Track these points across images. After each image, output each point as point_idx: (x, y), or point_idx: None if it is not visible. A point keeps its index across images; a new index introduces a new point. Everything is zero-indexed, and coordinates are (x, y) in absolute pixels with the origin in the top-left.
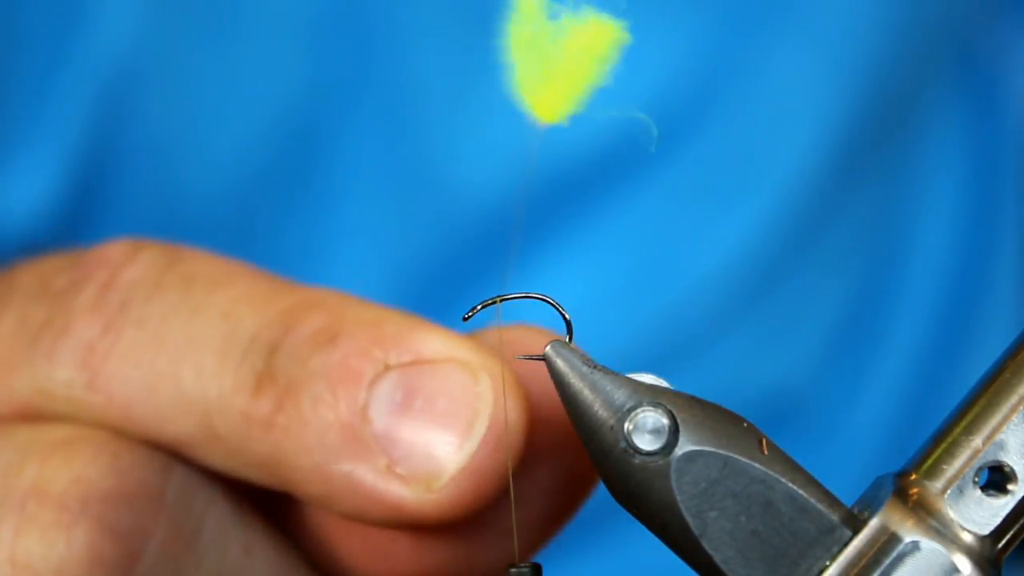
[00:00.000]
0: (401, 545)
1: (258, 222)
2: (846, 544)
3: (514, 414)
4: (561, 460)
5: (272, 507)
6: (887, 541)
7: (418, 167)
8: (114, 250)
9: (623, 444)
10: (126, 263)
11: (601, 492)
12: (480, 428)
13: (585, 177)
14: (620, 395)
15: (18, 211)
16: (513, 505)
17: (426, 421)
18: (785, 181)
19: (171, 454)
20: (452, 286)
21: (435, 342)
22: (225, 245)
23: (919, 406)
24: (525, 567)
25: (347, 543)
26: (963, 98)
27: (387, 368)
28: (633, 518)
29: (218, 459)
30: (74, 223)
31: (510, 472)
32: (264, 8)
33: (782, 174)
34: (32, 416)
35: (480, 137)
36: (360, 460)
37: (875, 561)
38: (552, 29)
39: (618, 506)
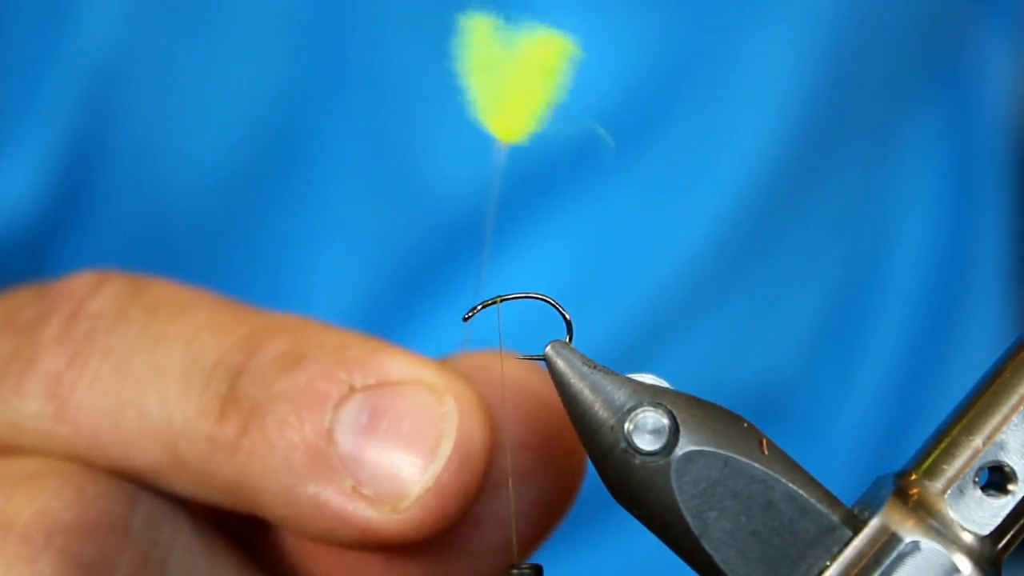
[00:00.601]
0: (373, 567)
1: (241, 218)
2: (846, 544)
3: (477, 435)
4: (537, 481)
5: (241, 534)
6: (887, 541)
7: (397, 163)
8: (79, 282)
9: (623, 444)
10: (91, 294)
11: (600, 492)
12: (445, 449)
13: (553, 172)
14: (620, 395)
15: (6, 207)
16: (513, 508)
17: (391, 442)
18: (756, 173)
19: (138, 484)
20: (428, 282)
21: (400, 364)
22: (207, 241)
23: (904, 401)
24: (527, 568)
25: (318, 566)
26: (942, 89)
27: (352, 390)
28: (632, 518)
29: (185, 485)
30: (58, 221)
31: (510, 481)
32: (246, 6)
33: (752, 166)
34: (1, 450)
35: (456, 134)
36: (326, 482)
37: (875, 561)
38: (504, 50)
39: (616, 506)
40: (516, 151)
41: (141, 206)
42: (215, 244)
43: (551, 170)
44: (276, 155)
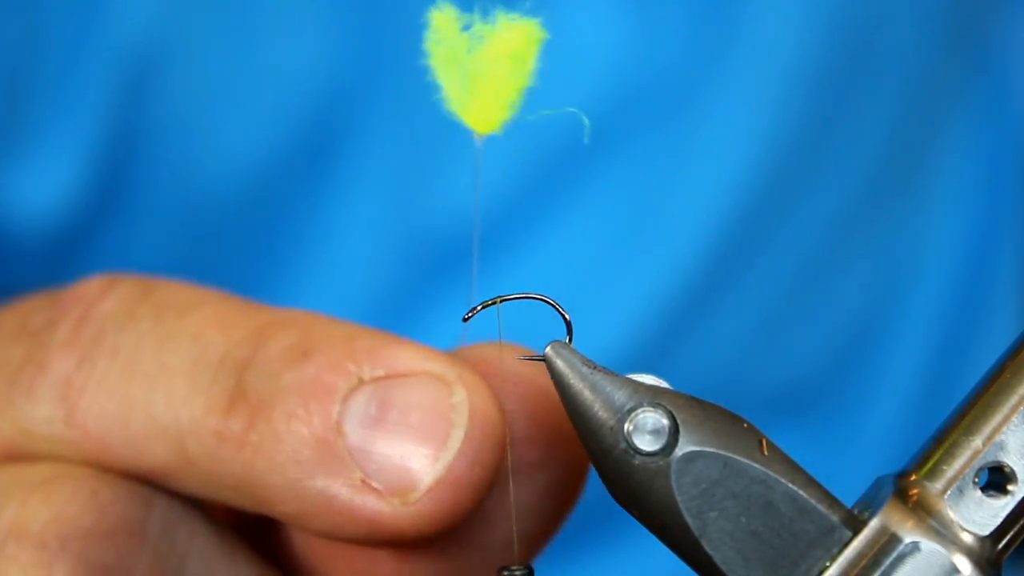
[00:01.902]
0: (384, 565)
1: (275, 210)
2: (846, 545)
3: (488, 429)
4: (544, 473)
5: (258, 535)
6: (887, 542)
7: (422, 157)
8: (89, 286)
9: (623, 445)
10: (101, 297)
11: (599, 494)
12: (456, 440)
13: (558, 172)
14: (620, 396)
15: (43, 199)
16: (513, 509)
17: (401, 434)
18: (774, 168)
19: (152, 486)
20: (441, 279)
21: (409, 356)
22: (242, 232)
23: (930, 402)
24: (518, 570)
25: (331, 566)
26: (971, 83)
27: (361, 382)
28: (631, 520)
29: (195, 484)
30: (95, 212)
31: (510, 481)
32: None
33: (769, 161)
34: (14, 456)
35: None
36: (334, 475)
37: (875, 562)
38: (468, 41)
39: (616, 507)
40: (520, 153)
41: (177, 198)
42: (249, 234)
43: (556, 171)
44: (310, 147)
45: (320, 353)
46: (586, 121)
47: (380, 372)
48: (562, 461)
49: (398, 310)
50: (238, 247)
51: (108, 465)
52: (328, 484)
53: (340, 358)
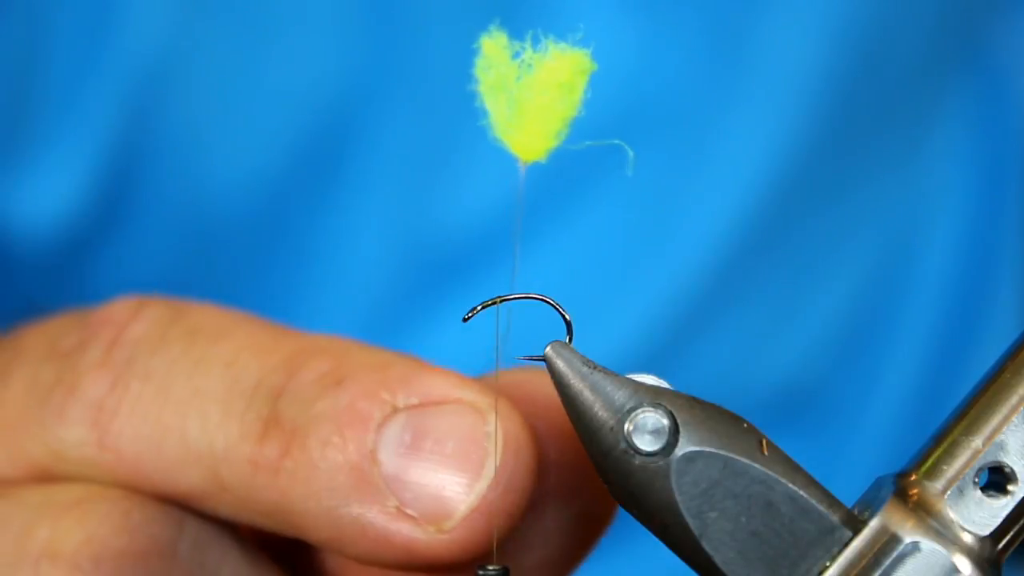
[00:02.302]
0: None
1: (282, 220)
2: (846, 545)
3: (522, 458)
4: (578, 499)
5: (287, 556)
6: (887, 542)
7: (429, 172)
8: (119, 308)
9: (623, 445)
10: (131, 320)
11: None
12: (490, 469)
13: (567, 176)
14: (620, 396)
15: (49, 209)
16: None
17: (436, 462)
18: (777, 170)
19: (184, 508)
20: (447, 286)
21: (443, 384)
22: (247, 244)
23: (931, 401)
24: (493, 569)
25: None
26: (970, 83)
27: (395, 410)
28: (631, 520)
29: (228, 509)
30: (101, 224)
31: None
32: (290, 11)
33: (773, 163)
34: (45, 477)
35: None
36: (370, 502)
37: (875, 562)
38: (518, 69)
39: (620, 515)
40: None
41: (183, 209)
42: (254, 246)
43: (566, 175)
44: (315, 159)
45: (354, 381)
46: (631, 153)
47: (414, 400)
48: (595, 487)
49: (402, 318)
50: (243, 259)
51: (141, 488)
52: (363, 512)
53: (374, 386)
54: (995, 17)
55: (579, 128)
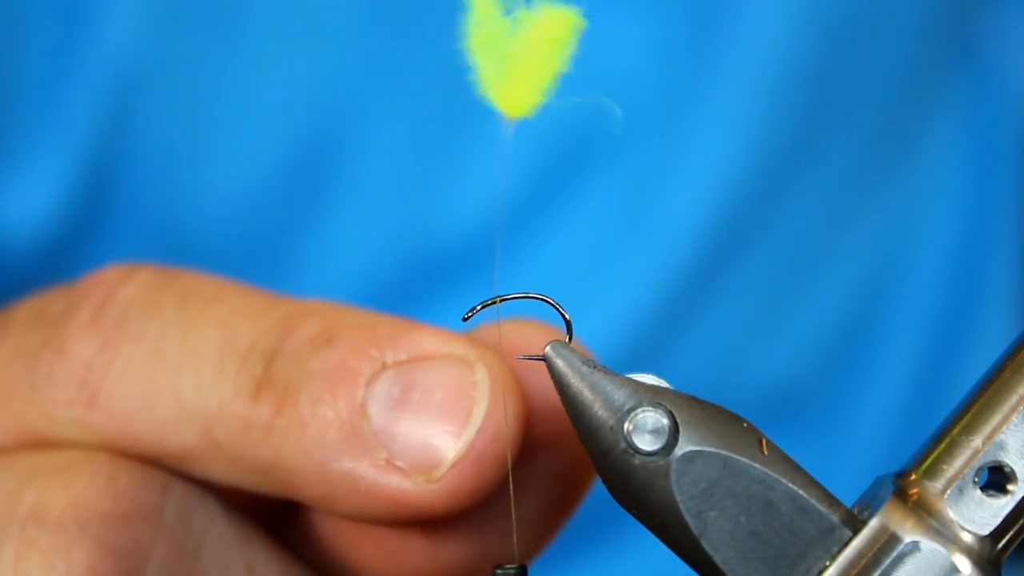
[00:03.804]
0: (412, 547)
1: (265, 226)
2: (846, 544)
3: (512, 406)
4: (561, 450)
5: (276, 522)
6: (887, 541)
7: (414, 177)
8: (109, 273)
9: (623, 444)
10: (121, 283)
11: (598, 494)
12: (478, 417)
13: (553, 173)
14: (620, 395)
15: (24, 218)
16: (512, 502)
17: (424, 413)
18: (762, 167)
19: (172, 470)
20: (436, 289)
21: (431, 340)
22: (228, 250)
23: (922, 402)
24: (511, 568)
25: (357, 550)
26: (963, 78)
27: (384, 366)
28: (631, 520)
29: (219, 469)
30: (79, 230)
31: (510, 468)
32: (270, 14)
33: (757, 159)
34: (36, 443)
35: (475, 149)
36: (360, 456)
37: (875, 561)
38: (508, 24)
39: (615, 507)
40: (514, 154)
41: (163, 216)
42: (238, 255)
43: (549, 174)
44: (302, 166)
45: (344, 339)
46: (617, 110)
47: (403, 356)
48: (575, 443)
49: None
50: (227, 266)
51: (130, 449)
52: (354, 465)
53: (364, 344)
54: (988, 9)
55: (555, 117)
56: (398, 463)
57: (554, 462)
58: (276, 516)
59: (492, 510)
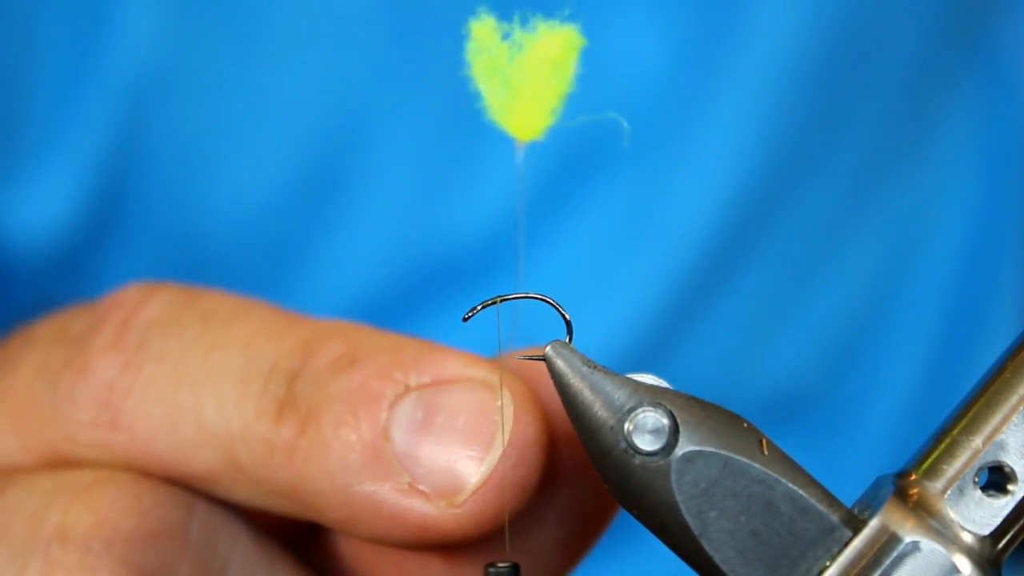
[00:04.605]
0: (434, 569)
1: (276, 233)
2: (846, 544)
3: (532, 429)
4: (585, 480)
5: (299, 543)
6: (887, 541)
7: (427, 183)
8: (131, 292)
9: (623, 444)
10: (143, 303)
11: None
12: (501, 442)
13: (557, 178)
14: (620, 395)
15: (38, 226)
16: (506, 503)
17: (447, 438)
18: (770, 167)
19: (195, 492)
20: (445, 291)
21: (454, 363)
22: (248, 256)
23: (930, 403)
24: (504, 566)
25: (379, 573)
26: (974, 75)
27: (407, 389)
28: (631, 520)
29: (242, 490)
30: (94, 238)
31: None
32: (285, 21)
33: (765, 159)
34: (58, 463)
35: (486, 154)
36: (382, 479)
37: (875, 561)
38: (509, 49)
39: (622, 517)
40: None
41: (178, 223)
42: (251, 259)
43: (555, 179)
44: (314, 172)
45: (367, 362)
46: (626, 125)
47: (426, 379)
48: (594, 477)
49: (403, 324)
50: (240, 271)
51: (153, 470)
52: (376, 489)
53: (387, 366)
54: (1000, 7)
55: (565, 132)
56: (421, 487)
57: (578, 492)
58: (300, 538)
59: (513, 536)
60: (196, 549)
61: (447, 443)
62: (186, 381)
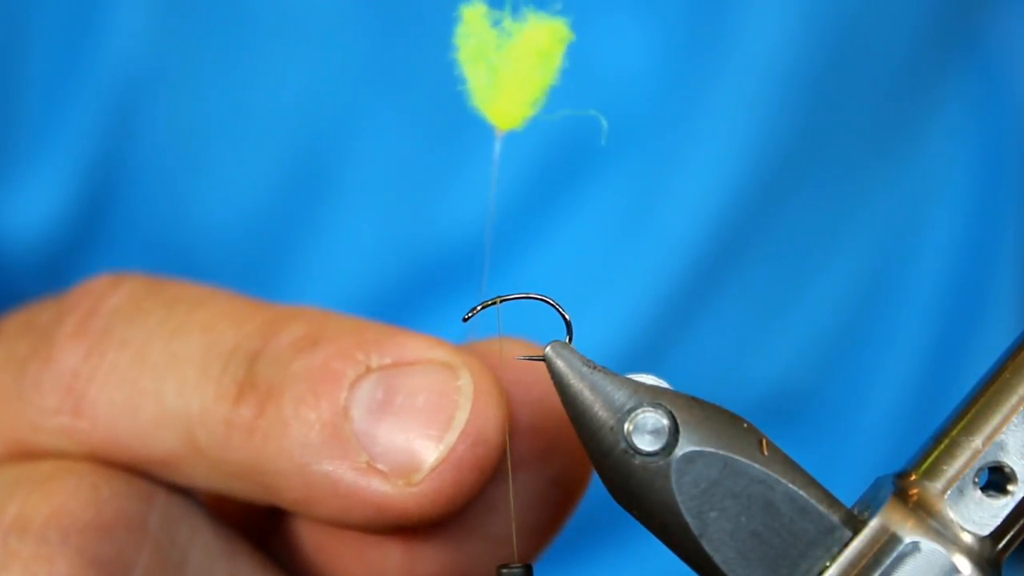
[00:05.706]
0: (392, 556)
1: (263, 238)
2: (846, 545)
3: (491, 411)
4: (551, 463)
5: (260, 534)
6: (887, 542)
7: (414, 184)
8: (97, 283)
9: (623, 445)
10: (109, 292)
11: (598, 494)
12: (460, 422)
13: (551, 176)
14: (620, 396)
15: (26, 226)
16: (512, 503)
17: (406, 417)
18: (765, 165)
19: (156, 482)
20: (433, 294)
21: (415, 345)
22: (235, 259)
23: (926, 403)
24: (517, 568)
25: (338, 561)
26: (966, 71)
27: (368, 370)
28: (631, 520)
29: (202, 474)
30: (82, 238)
31: (510, 473)
32: (273, 25)
33: (760, 157)
34: (23, 454)
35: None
36: (341, 458)
37: (875, 562)
38: (497, 37)
39: (616, 508)
40: (513, 158)
41: (163, 225)
42: (239, 262)
43: (550, 177)
44: (303, 174)
45: (329, 342)
46: (604, 123)
47: (387, 360)
48: (567, 451)
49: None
50: (227, 274)
51: (116, 456)
52: (334, 467)
53: (348, 347)
54: (990, 4)
55: (555, 121)
56: (379, 466)
57: (545, 470)
58: (260, 527)
59: (470, 521)
60: (155, 539)
61: (406, 423)
62: (148, 366)
